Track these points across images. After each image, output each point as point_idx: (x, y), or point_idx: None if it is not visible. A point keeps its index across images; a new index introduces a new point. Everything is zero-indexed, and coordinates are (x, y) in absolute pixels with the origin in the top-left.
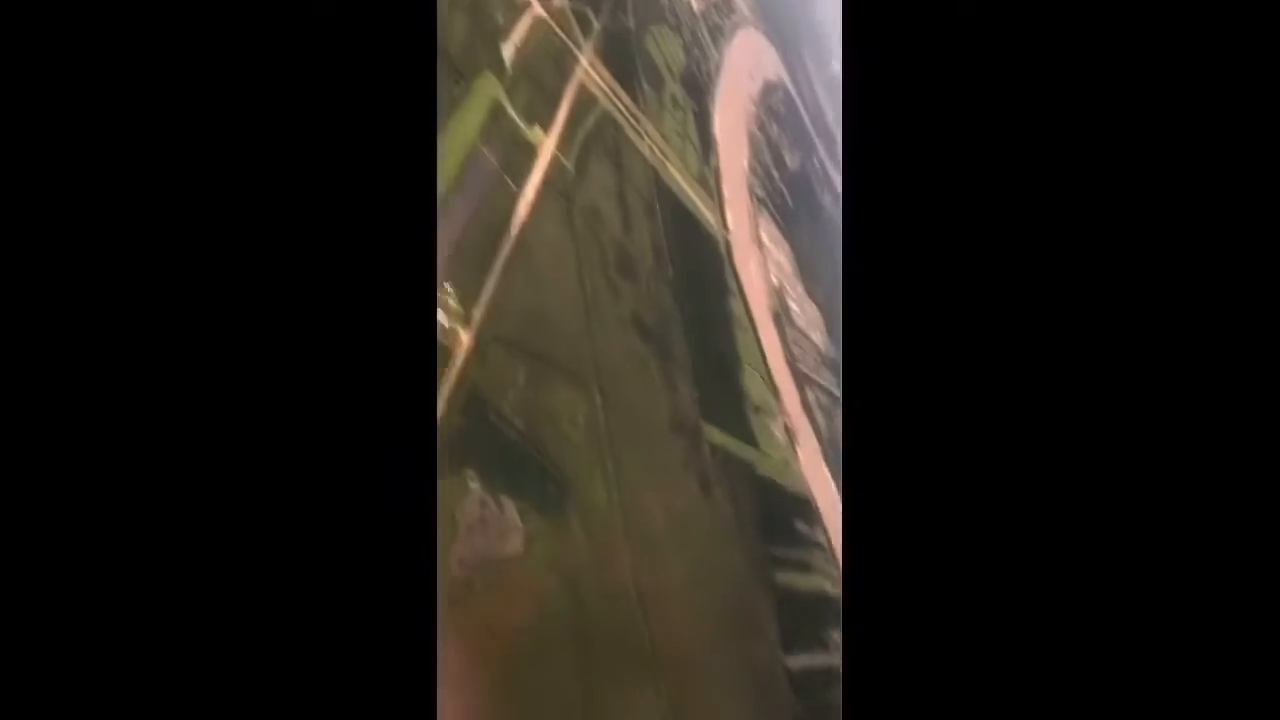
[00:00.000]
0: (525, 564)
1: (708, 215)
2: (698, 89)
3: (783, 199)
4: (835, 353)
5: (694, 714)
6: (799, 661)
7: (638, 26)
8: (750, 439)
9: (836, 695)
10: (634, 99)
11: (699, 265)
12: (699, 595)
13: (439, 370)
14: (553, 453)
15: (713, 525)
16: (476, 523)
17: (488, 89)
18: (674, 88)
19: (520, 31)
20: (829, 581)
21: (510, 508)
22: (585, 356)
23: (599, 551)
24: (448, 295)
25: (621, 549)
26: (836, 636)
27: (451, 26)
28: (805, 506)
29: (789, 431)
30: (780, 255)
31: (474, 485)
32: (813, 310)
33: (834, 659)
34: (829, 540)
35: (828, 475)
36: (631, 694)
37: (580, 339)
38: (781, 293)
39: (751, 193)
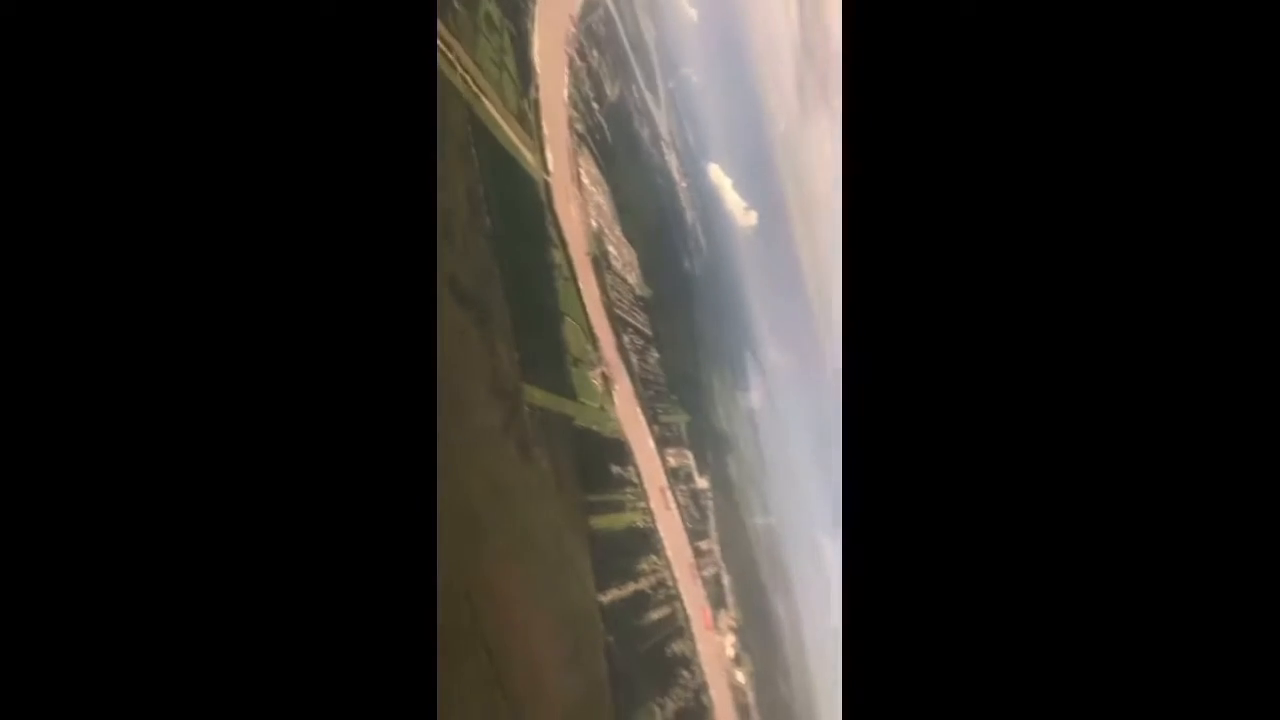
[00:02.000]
0: None
1: (527, 156)
2: (514, 7)
3: (602, 134)
4: (648, 292)
5: (516, 670)
6: (610, 595)
7: None
8: (569, 392)
9: (642, 619)
10: (445, 21)
11: (518, 213)
12: (518, 561)
13: None
14: None
15: (532, 487)
16: None
17: None
18: (489, 5)
19: None
20: (638, 515)
21: None
22: None
23: None
24: None
25: (443, 533)
26: (643, 565)
27: None
28: (619, 448)
29: (606, 378)
30: (600, 196)
31: None
32: (629, 252)
33: (640, 585)
34: (639, 474)
35: (639, 413)
36: (457, 666)
37: None
38: (600, 236)
39: (572, 128)
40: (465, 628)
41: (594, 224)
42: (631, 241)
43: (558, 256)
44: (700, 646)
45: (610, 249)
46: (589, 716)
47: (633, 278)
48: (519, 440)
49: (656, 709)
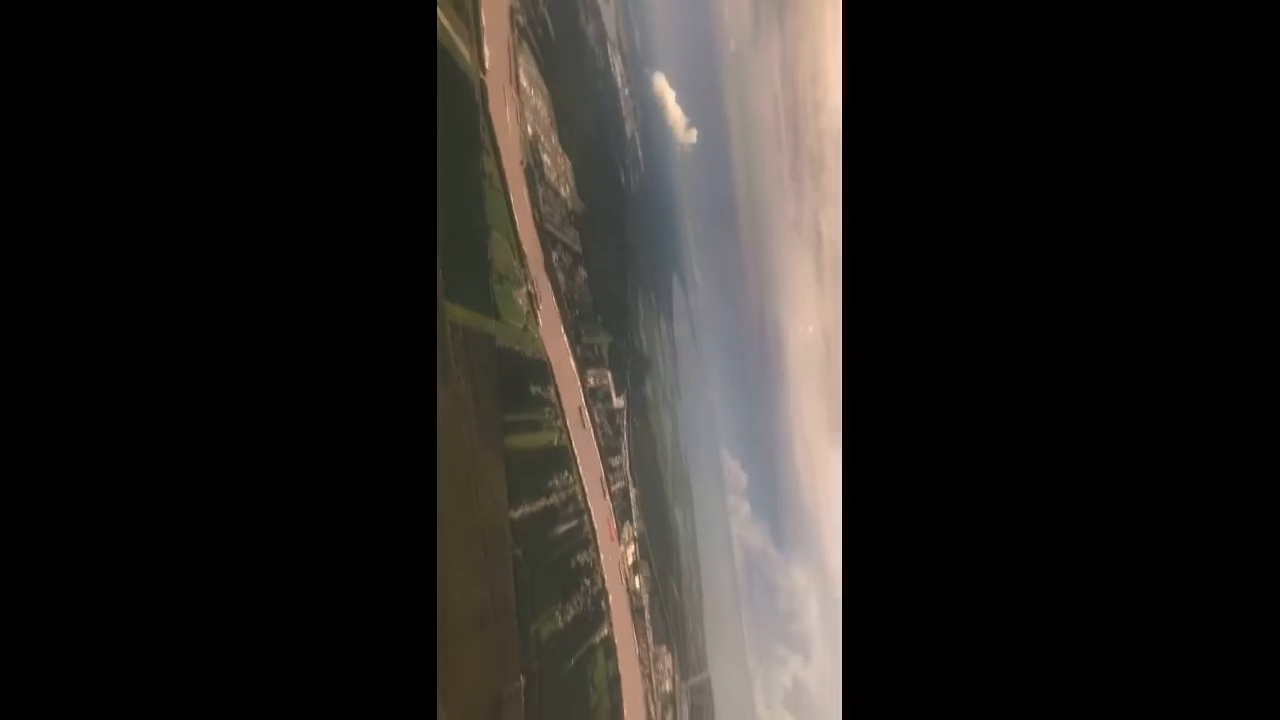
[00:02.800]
0: None
1: (463, 50)
2: None
3: (545, 29)
4: (581, 207)
5: None
6: (521, 511)
7: None
8: (492, 311)
9: (551, 533)
10: None
11: (450, 116)
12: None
13: None
14: None
15: (449, 407)
16: None
17: None
18: None
19: None
20: (555, 434)
21: None
22: None
23: None
24: None
25: None
26: (555, 481)
27: None
28: (540, 369)
29: (531, 297)
30: (538, 100)
31: None
32: (564, 162)
33: (551, 500)
34: (558, 394)
35: (562, 334)
36: None
37: None
38: (536, 144)
39: (513, 19)
40: None
41: (530, 131)
42: (568, 151)
43: (489, 165)
44: (603, 556)
45: (545, 158)
46: (495, 625)
47: (566, 191)
48: (440, 359)
49: (558, 614)
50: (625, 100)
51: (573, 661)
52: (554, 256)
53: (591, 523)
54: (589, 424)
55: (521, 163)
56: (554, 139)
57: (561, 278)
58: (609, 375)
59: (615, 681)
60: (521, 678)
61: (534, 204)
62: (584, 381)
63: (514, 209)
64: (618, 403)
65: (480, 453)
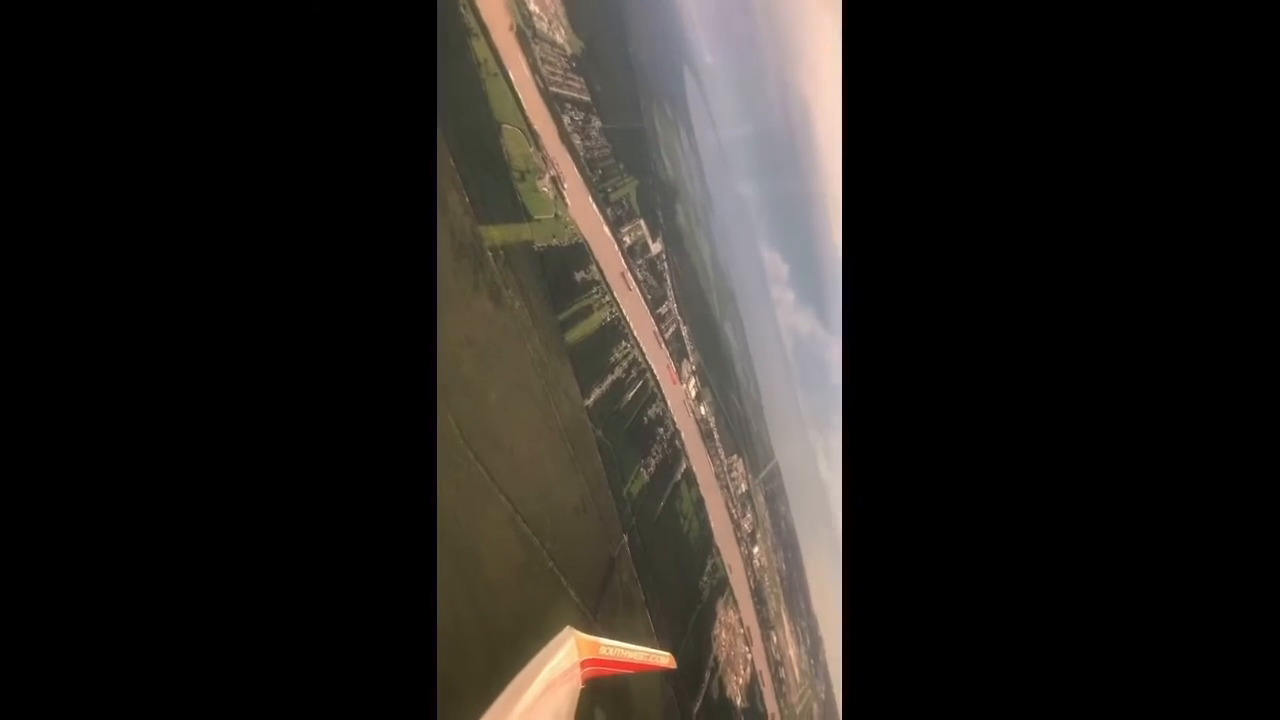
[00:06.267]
0: None
1: None
2: None
3: None
4: (579, 46)
5: (530, 498)
6: (593, 396)
7: None
8: (524, 215)
9: (621, 403)
10: None
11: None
12: (513, 405)
13: None
14: None
15: (510, 332)
16: None
17: None
18: None
19: None
20: (605, 310)
21: None
22: None
23: None
24: None
25: (441, 410)
26: (616, 354)
27: None
28: (579, 252)
29: (555, 181)
30: None
31: None
32: (553, 2)
33: (615, 374)
34: (600, 270)
35: (591, 203)
36: (481, 518)
37: None
38: None
39: None
40: (483, 485)
41: None
42: None
43: (480, 50)
44: (670, 401)
45: (533, 8)
46: (593, 505)
47: (561, 35)
48: (490, 291)
49: (643, 470)
50: None
51: (662, 503)
52: (566, 121)
53: (654, 376)
54: (633, 285)
55: (511, 27)
56: None
57: (578, 141)
58: (642, 225)
59: (699, 504)
60: (624, 536)
61: (533, 69)
62: (620, 243)
63: (516, 88)
64: (655, 248)
65: (548, 362)
